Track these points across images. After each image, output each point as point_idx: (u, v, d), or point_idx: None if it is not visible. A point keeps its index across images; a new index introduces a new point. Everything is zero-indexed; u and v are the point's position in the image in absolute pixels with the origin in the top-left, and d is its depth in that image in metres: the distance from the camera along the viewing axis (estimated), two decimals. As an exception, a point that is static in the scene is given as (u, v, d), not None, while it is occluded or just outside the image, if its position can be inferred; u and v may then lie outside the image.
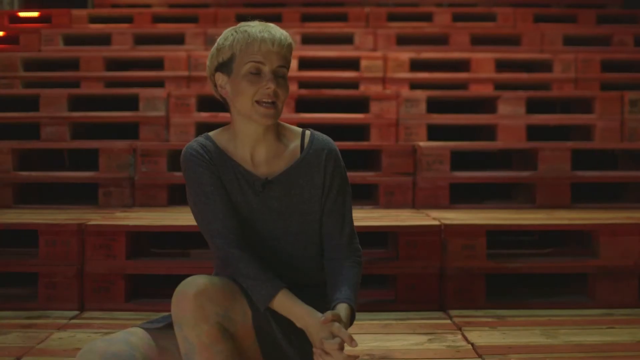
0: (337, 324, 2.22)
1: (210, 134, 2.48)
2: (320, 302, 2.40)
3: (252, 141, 2.42)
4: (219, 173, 2.40)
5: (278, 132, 2.47)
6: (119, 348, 2.29)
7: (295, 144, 2.47)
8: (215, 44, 2.41)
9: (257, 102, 2.34)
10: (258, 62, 2.33)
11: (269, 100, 2.34)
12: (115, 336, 2.35)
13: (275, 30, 2.37)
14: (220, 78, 2.40)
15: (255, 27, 2.36)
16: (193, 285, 2.26)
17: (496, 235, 4.26)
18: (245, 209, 2.41)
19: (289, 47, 2.39)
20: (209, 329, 2.24)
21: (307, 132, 2.50)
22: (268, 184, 2.41)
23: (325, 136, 2.50)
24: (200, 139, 2.45)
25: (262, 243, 2.43)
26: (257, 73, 2.34)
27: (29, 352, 2.95)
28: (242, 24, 2.40)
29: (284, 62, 2.37)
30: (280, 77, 2.36)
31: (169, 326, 2.38)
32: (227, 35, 2.38)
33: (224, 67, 2.38)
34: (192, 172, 2.40)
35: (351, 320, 2.35)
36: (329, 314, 2.23)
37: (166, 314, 2.45)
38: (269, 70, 2.34)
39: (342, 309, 2.31)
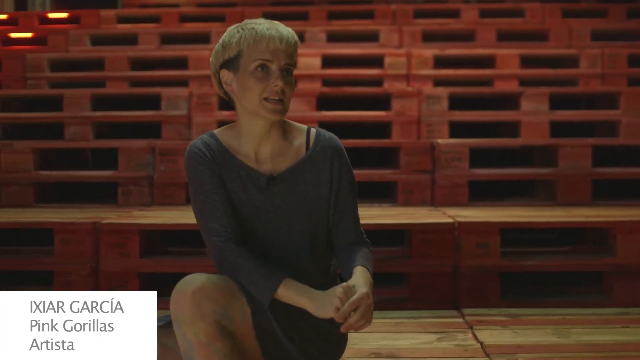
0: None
1: (215, 131, 2.48)
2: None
3: (258, 138, 2.42)
4: (221, 172, 2.40)
5: (284, 130, 2.46)
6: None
7: (300, 141, 2.46)
8: (220, 41, 2.40)
9: (265, 99, 2.34)
10: (266, 60, 2.33)
11: (277, 98, 2.34)
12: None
13: (282, 28, 2.37)
14: (226, 75, 2.40)
15: (262, 25, 2.36)
16: (191, 284, 2.26)
17: (516, 233, 4.23)
18: (248, 207, 2.41)
19: (296, 45, 2.38)
20: (206, 327, 2.24)
21: (313, 130, 2.49)
22: (272, 180, 2.41)
23: (330, 134, 2.49)
24: (205, 136, 2.45)
25: (265, 241, 2.42)
26: (265, 70, 2.33)
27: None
28: (247, 21, 2.40)
29: (290, 59, 2.36)
30: (287, 74, 2.36)
31: (171, 324, 2.38)
32: (233, 32, 2.38)
33: (230, 64, 2.37)
34: (193, 170, 2.41)
35: (369, 281, 2.34)
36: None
37: (168, 312, 2.46)
38: (276, 68, 2.34)
39: (356, 270, 2.33)
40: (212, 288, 2.27)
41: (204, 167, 2.39)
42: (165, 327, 2.42)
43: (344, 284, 2.27)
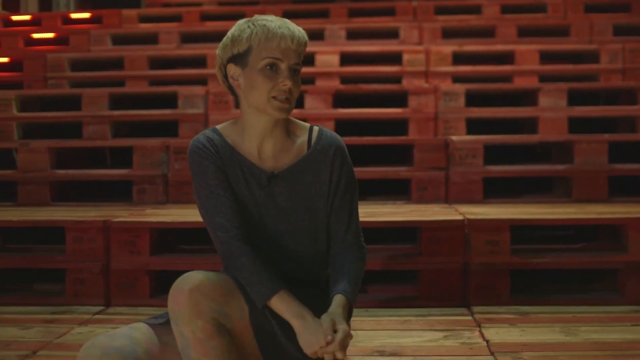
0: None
1: (218, 127, 2.49)
2: (321, 300, 2.39)
3: (261, 135, 2.42)
4: (225, 167, 2.40)
5: (287, 128, 2.47)
6: (121, 343, 2.31)
7: (302, 139, 2.46)
8: (229, 35, 2.39)
9: (273, 97, 2.34)
10: (276, 58, 2.33)
11: (284, 97, 2.34)
12: (118, 331, 2.37)
13: (293, 27, 2.36)
14: (233, 69, 2.39)
15: (274, 22, 2.35)
16: (188, 281, 2.27)
17: (531, 230, 4.18)
18: (250, 203, 2.41)
19: (305, 45, 2.39)
20: (203, 324, 2.24)
21: (315, 128, 2.49)
22: (274, 177, 2.41)
23: (333, 133, 2.49)
24: (208, 131, 2.46)
25: (267, 238, 2.42)
26: (274, 69, 2.33)
27: (46, 347, 3.01)
28: (257, 17, 2.39)
29: (299, 59, 2.37)
30: (294, 73, 2.36)
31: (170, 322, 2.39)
32: (244, 27, 2.37)
33: (239, 59, 2.37)
34: (197, 165, 2.41)
35: (349, 311, 2.34)
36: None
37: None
38: (285, 67, 2.34)
39: (337, 299, 2.32)
40: (210, 286, 2.27)
41: (208, 162, 2.40)
42: (164, 325, 2.43)
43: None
